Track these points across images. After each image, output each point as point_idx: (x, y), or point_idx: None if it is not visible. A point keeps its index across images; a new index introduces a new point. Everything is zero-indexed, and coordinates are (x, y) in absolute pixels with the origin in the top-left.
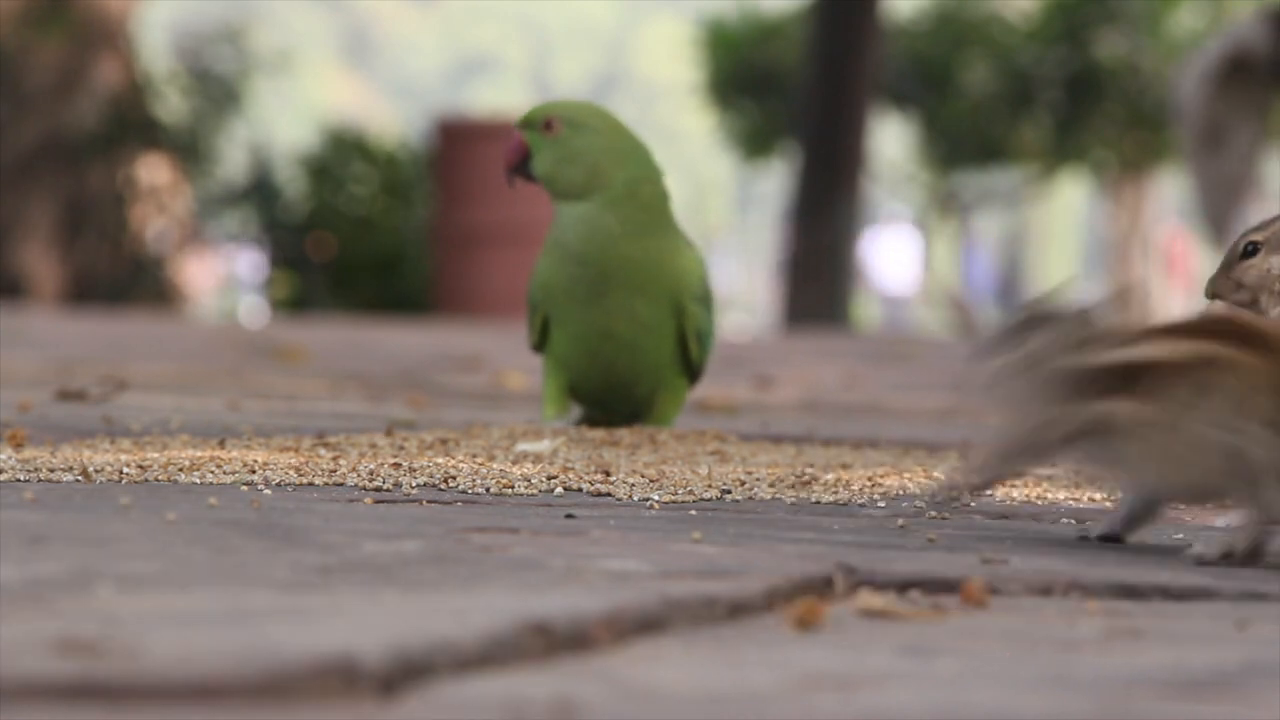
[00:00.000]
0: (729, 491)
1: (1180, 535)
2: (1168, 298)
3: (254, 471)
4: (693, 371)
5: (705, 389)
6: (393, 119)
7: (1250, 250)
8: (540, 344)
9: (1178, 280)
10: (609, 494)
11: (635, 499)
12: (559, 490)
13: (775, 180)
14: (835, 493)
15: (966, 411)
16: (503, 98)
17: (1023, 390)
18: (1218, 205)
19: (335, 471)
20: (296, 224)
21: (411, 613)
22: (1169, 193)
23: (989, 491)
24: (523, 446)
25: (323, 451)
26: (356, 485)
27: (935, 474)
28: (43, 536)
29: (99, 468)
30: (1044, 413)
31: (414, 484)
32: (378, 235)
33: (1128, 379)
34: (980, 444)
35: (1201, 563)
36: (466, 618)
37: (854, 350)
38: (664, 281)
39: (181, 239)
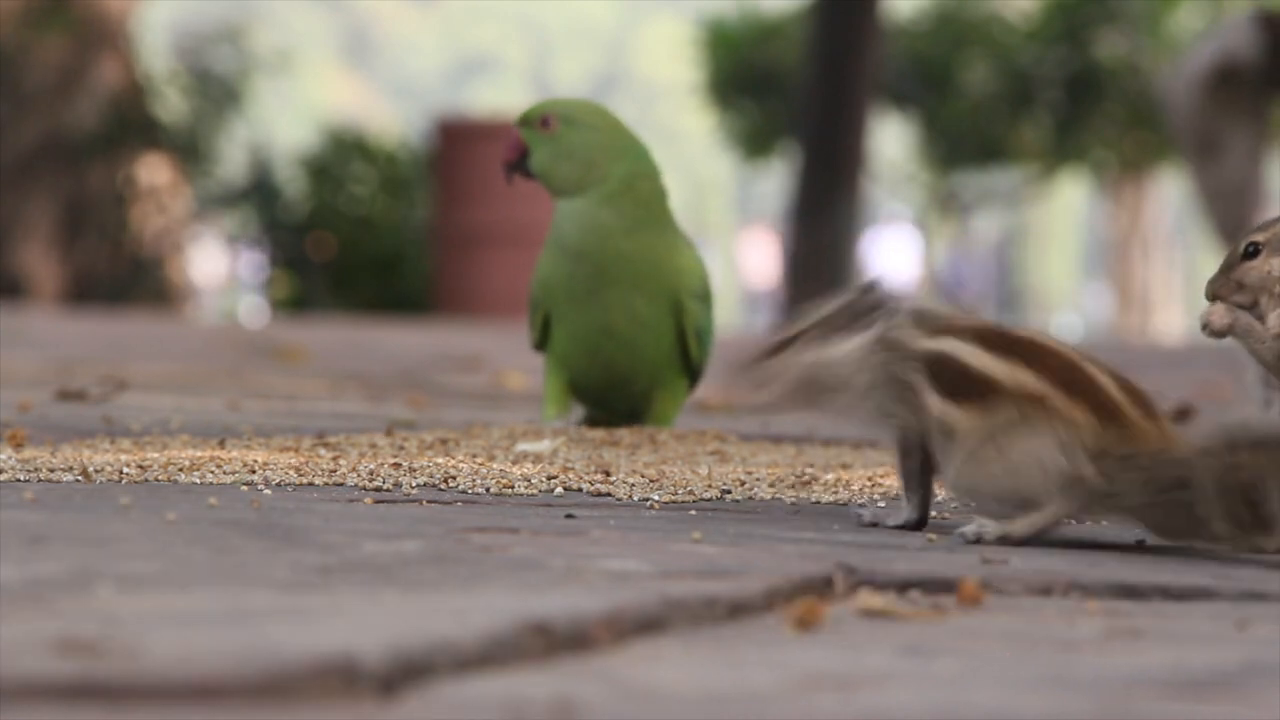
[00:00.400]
0: (729, 491)
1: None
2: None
3: (254, 471)
4: (693, 371)
5: (705, 390)
6: (393, 119)
7: (1251, 251)
8: (541, 342)
9: None
10: (609, 494)
11: (635, 499)
12: (559, 490)
13: (775, 180)
14: (835, 493)
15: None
16: (503, 98)
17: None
18: (1225, 213)
19: (335, 471)
20: (296, 224)
21: (411, 613)
22: (1169, 193)
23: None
24: (523, 446)
25: (323, 451)
26: (356, 485)
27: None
28: (43, 536)
29: (99, 468)
30: (880, 392)
31: (414, 484)
32: (378, 235)
33: (959, 379)
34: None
35: (975, 542)
36: (466, 618)
37: None
38: (662, 278)
39: (182, 239)
